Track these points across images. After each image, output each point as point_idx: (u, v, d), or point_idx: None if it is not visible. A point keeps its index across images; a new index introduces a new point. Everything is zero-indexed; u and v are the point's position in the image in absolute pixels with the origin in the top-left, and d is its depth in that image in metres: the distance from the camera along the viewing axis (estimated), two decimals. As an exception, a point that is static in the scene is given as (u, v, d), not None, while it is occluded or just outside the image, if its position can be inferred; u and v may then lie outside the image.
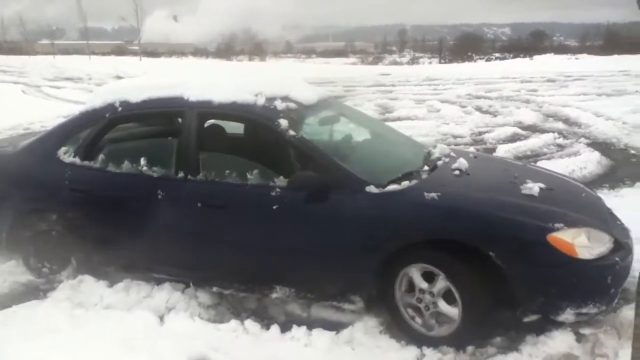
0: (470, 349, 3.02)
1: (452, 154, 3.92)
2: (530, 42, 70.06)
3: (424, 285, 3.10)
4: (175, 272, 3.74)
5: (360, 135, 4.13)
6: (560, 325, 3.04)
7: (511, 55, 52.60)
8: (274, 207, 3.30)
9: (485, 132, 9.78)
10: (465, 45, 70.40)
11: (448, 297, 3.04)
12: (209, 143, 3.80)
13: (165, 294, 3.66)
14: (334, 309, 3.46)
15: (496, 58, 53.52)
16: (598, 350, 2.85)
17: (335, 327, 3.29)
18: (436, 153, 3.89)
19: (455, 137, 9.49)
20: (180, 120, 3.86)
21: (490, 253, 2.88)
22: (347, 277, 3.28)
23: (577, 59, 34.26)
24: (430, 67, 36.03)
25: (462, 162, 3.58)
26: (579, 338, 2.96)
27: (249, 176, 3.46)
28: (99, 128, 3.96)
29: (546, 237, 2.87)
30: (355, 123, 4.26)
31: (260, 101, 3.62)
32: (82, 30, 65.37)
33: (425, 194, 3.13)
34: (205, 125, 3.95)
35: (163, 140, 4.15)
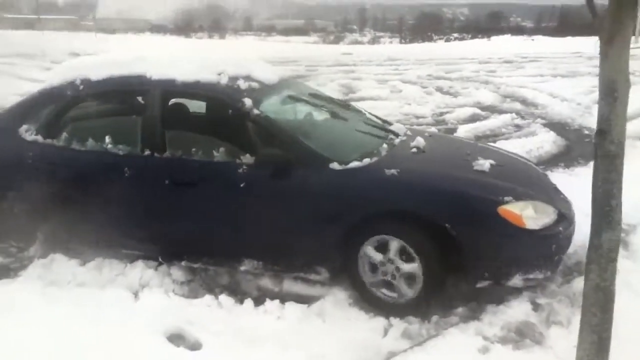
0: (434, 318, 3.20)
1: (408, 132, 4.13)
2: (487, 22, 71.00)
3: (379, 257, 3.28)
4: (144, 247, 3.80)
5: (320, 114, 4.25)
6: (518, 295, 3.27)
7: (469, 36, 53.24)
8: (241, 185, 3.42)
9: (446, 113, 9.95)
10: (425, 25, 70.90)
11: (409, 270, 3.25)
12: (174, 121, 3.87)
13: (138, 271, 3.72)
14: (305, 283, 3.60)
15: (455, 38, 54.04)
16: (553, 318, 3.07)
17: (306, 300, 3.43)
18: (395, 131, 4.09)
19: (417, 117, 9.65)
20: (143, 98, 3.91)
21: (446, 225, 3.11)
22: (313, 250, 3.44)
23: (532, 40, 34.75)
24: (391, 47, 36.18)
25: (419, 141, 3.78)
26: (536, 307, 3.17)
27: (215, 154, 3.57)
28: (60, 106, 4.00)
29: (497, 209, 3.12)
30: (313, 102, 4.37)
31: (224, 80, 3.72)
32: (33, 3, 62.86)
33: (386, 170, 3.32)
34: (169, 103, 4.00)
35: (127, 118, 4.17)
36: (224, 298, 3.40)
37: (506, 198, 3.16)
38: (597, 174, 1.86)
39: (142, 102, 3.93)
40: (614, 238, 1.89)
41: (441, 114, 9.95)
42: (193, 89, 3.78)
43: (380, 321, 3.21)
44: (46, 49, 24.86)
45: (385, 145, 3.75)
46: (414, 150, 3.72)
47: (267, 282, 3.69)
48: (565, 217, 3.31)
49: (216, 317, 3.25)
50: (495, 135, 8.15)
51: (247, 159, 3.49)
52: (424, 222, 3.19)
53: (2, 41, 28.66)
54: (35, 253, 3.97)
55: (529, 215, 3.15)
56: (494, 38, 38.04)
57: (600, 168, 1.85)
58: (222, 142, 3.68)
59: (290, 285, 3.64)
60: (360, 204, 3.28)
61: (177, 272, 3.72)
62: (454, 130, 8.32)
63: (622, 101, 1.78)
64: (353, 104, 4.90)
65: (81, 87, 3.89)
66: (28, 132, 3.95)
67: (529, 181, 3.68)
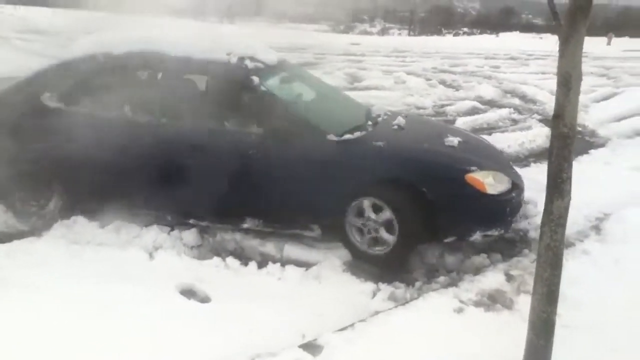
0: (418, 284, 3.60)
1: (388, 113, 4.68)
2: (498, 18, 70.72)
3: (372, 215, 3.80)
4: (157, 206, 4.20)
5: (312, 93, 4.71)
6: (494, 267, 3.67)
7: (478, 31, 53.21)
8: (250, 152, 3.89)
9: (447, 105, 10.22)
10: (436, 18, 70.71)
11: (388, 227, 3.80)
12: (188, 94, 4.28)
13: (152, 234, 4.09)
14: (303, 250, 4.00)
15: (464, 33, 54.06)
16: (523, 288, 3.41)
17: (305, 265, 3.82)
18: (375, 111, 4.63)
19: (418, 108, 9.95)
20: (161, 73, 4.29)
21: (424, 189, 3.67)
22: (309, 210, 3.94)
23: (541, 38, 34.90)
24: (400, 39, 36.40)
25: (400, 120, 4.36)
26: (509, 278, 3.53)
27: (226, 124, 4.03)
28: (83, 77, 4.31)
29: (464, 176, 3.70)
30: (307, 83, 4.85)
31: (233, 60, 4.16)
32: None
33: (374, 142, 3.88)
34: (184, 78, 4.36)
35: (145, 90, 4.45)
36: (230, 260, 3.79)
37: (472, 168, 3.78)
38: (552, 151, 2.19)
39: (160, 76, 4.31)
40: (564, 205, 2.22)
41: (442, 106, 10.24)
42: (206, 66, 4.23)
43: (369, 285, 3.59)
44: (60, 26, 25.07)
45: (370, 122, 4.30)
46: (396, 127, 4.30)
47: (269, 249, 4.07)
48: (517, 186, 3.94)
49: (223, 276, 3.64)
50: (491, 128, 8.45)
51: (255, 129, 3.97)
52: (405, 187, 3.74)
53: (15, 18, 28.77)
54: (54, 208, 4.27)
55: (490, 182, 3.78)
56: (502, 34, 38.14)
57: (555, 146, 2.18)
58: (231, 114, 4.13)
59: (290, 252, 4.01)
60: (352, 171, 3.80)
61: (188, 237, 4.10)
62: (453, 121, 8.60)
63: (575, 91, 2.13)
64: (359, 93, 5.29)
65: (103, 60, 4.26)
66: (50, 99, 4.25)
67: (489, 156, 4.34)
